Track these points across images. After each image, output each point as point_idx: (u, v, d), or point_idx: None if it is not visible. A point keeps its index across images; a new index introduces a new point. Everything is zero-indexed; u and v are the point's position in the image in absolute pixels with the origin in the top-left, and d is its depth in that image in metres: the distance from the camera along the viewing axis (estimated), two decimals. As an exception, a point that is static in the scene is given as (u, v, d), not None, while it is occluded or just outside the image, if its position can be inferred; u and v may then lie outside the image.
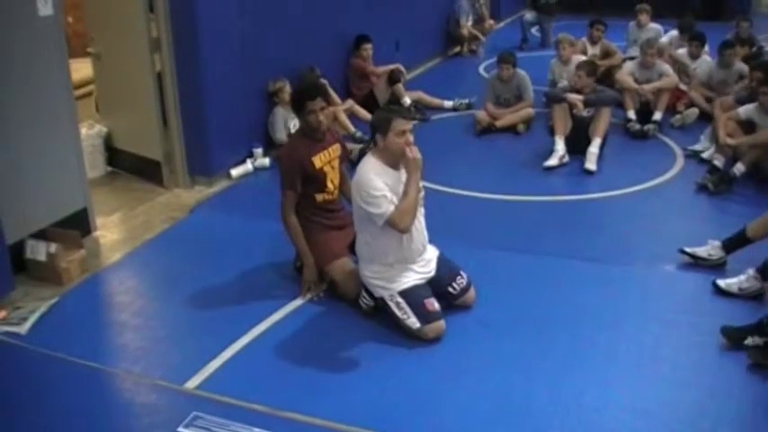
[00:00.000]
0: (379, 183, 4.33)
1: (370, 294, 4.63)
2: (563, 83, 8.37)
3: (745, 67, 8.26)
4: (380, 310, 4.62)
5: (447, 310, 4.59)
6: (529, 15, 13.31)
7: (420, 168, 4.37)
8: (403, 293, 4.46)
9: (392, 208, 4.31)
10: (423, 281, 4.56)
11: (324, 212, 5.02)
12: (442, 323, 4.46)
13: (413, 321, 4.41)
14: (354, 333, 4.57)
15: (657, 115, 8.23)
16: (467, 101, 9.23)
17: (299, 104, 4.94)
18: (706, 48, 9.21)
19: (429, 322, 4.42)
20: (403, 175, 4.43)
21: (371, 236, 4.47)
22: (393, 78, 8.97)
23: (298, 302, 4.89)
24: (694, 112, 8.39)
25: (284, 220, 4.96)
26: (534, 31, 13.54)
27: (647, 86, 8.29)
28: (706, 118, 7.98)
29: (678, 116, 8.43)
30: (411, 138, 4.39)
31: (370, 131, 4.52)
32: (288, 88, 7.42)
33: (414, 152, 4.34)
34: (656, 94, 8.30)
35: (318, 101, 4.86)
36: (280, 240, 5.25)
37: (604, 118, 7.34)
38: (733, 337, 4.33)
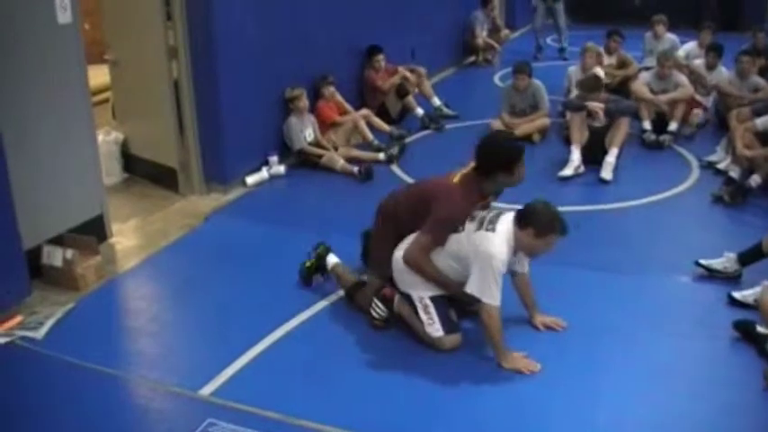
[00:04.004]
0: (503, 268, 4.23)
1: (385, 303, 4.64)
2: (575, 92, 8.38)
3: (760, 81, 8.26)
4: (392, 323, 4.64)
5: (460, 321, 4.58)
6: (538, 24, 13.30)
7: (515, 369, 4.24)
8: (433, 299, 4.46)
9: (495, 302, 4.18)
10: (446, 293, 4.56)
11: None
12: (460, 336, 4.46)
13: (437, 328, 4.40)
14: (369, 343, 4.57)
15: (673, 126, 8.23)
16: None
17: (509, 163, 4.47)
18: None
19: (451, 332, 4.42)
20: (514, 255, 4.38)
21: (447, 261, 4.41)
22: (401, 92, 8.97)
23: (312, 311, 4.90)
24: (698, 113, 8.40)
25: (421, 262, 4.46)
26: (550, 40, 13.56)
27: (662, 97, 8.28)
28: (722, 128, 7.96)
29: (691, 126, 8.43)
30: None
31: (526, 216, 4.26)
32: (305, 97, 7.46)
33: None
34: (671, 105, 8.29)
35: None
36: (294, 248, 5.27)
37: (623, 128, 7.34)
38: (745, 330, 4.46)
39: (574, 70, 9.10)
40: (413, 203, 4.68)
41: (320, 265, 5.16)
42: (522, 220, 4.27)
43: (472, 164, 4.56)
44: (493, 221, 4.30)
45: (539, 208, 4.29)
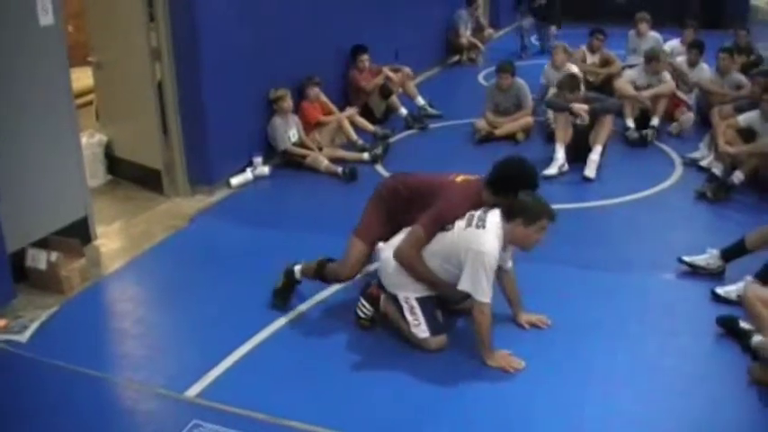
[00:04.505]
0: (495, 264, 4.24)
1: (371, 302, 4.64)
2: (553, 90, 8.43)
3: (741, 78, 8.32)
4: (378, 322, 4.65)
5: (445, 320, 4.60)
6: (525, 22, 13.37)
7: (499, 366, 4.26)
8: (419, 300, 4.46)
9: (486, 299, 4.19)
10: (432, 294, 4.57)
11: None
12: (446, 337, 4.46)
13: (423, 329, 4.40)
14: (355, 343, 4.57)
15: (655, 121, 8.30)
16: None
17: (522, 190, 4.42)
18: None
19: (437, 333, 4.42)
20: (504, 251, 4.38)
21: (436, 261, 4.40)
22: (385, 93, 8.98)
23: (298, 312, 4.90)
24: (690, 117, 8.44)
25: (410, 256, 4.46)
26: (534, 39, 13.61)
27: (645, 93, 8.33)
28: (705, 125, 8.01)
29: (675, 123, 8.47)
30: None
31: (513, 209, 4.28)
32: (289, 98, 7.46)
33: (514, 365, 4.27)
34: (653, 100, 8.35)
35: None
36: (279, 249, 5.26)
37: (606, 126, 7.37)
38: (728, 325, 4.49)
39: (549, 67, 9.18)
40: (410, 193, 4.71)
41: (291, 281, 5.00)
42: (509, 213, 4.30)
43: (478, 176, 4.60)
44: (482, 218, 4.31)
45: (523, 199, 4.34)
